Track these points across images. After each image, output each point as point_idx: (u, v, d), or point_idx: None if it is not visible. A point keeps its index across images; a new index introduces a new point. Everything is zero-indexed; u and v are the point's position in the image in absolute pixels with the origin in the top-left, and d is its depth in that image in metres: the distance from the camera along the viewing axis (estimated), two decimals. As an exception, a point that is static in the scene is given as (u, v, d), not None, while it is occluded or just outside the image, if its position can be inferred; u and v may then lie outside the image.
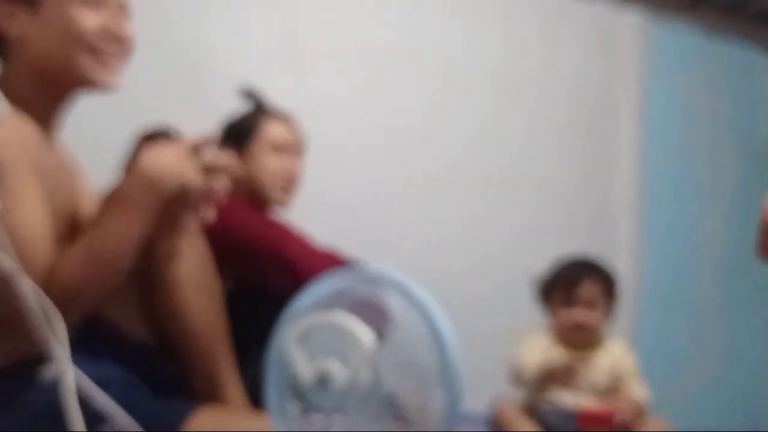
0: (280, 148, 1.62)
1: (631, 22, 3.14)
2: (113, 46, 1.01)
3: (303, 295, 0.85)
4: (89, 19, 0.97)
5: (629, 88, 3.09)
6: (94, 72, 0.99)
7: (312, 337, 0.81)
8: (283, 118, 1.68)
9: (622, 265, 2.92)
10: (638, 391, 1.65)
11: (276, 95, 1.73)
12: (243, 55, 2.41)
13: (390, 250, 2.45)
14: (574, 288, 1.67)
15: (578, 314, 1.64)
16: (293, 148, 1.66)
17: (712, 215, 3.16)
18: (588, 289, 1.67)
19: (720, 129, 3.26)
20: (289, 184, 1.65)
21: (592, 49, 3.07)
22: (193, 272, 1.07)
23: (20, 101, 0.93)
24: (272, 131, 1.62)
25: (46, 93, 1.00)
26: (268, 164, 1.60)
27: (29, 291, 0.70)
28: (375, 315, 0.81)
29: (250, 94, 1.69)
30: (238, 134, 1.61)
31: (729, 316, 3.12)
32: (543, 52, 2.97)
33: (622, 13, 3.14)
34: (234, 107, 1.66)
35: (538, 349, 1.64)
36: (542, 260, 1.84)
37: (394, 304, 0.80)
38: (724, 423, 2.97)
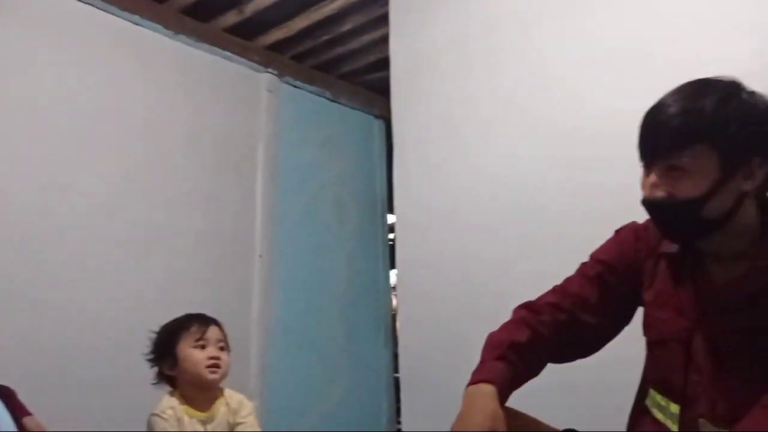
0: None
1: (268, 83, 3.40)
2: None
3: None
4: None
5: (265, 144, 3.33)
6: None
7: None
8: None
9: (256, 309, 3.10)
10: None
11: None
12: None
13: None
14: (204, 330, 1.78)
15: (213, 352, 1.76)
16: None
17: (336, 259, 3.54)
18: (215, 332, 1.81)
19: (343, 184, 3.69)
20: None
21: (234, 108, 3.25)
22: None
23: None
24: None
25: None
26: None
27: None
28: None
29: None
30: None
31: (351, 347, 3.51)
32: (189, 110, 3.05)
33: (259, 74, 3.38)
34: None
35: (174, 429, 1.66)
36: (189, 309, 1.90)
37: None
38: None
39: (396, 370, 3.42)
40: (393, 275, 3.86)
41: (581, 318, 1.27)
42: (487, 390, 1.15)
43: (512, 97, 2.44)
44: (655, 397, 1.24)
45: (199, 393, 1.75)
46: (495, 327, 1.31)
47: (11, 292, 2.33)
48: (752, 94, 1.09)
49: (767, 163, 1.08)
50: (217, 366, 1.75)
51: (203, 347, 1.75)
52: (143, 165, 2.83)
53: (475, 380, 1.18)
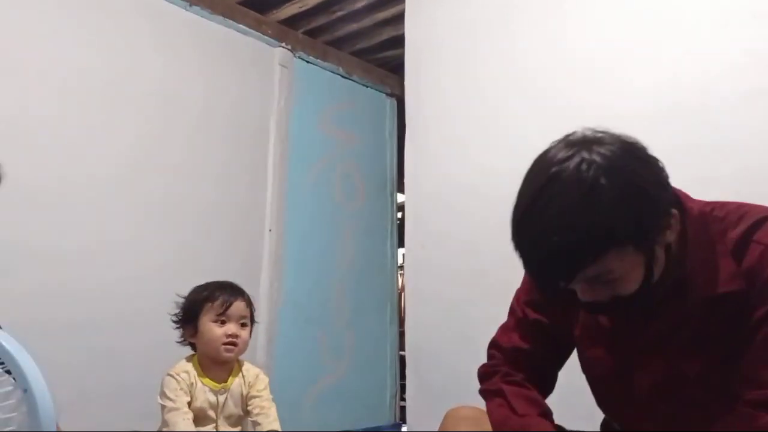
0: None
1: (281, 58, 3.39)
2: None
3: None
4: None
5: (277, 119, 3.33)
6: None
7: None
8: None
9: (265, 282, 3.13)
10: (271, 418, 1.78)
11: None
12: None
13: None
14: (228, 306, 1.77)
15: (232, 329, 1.77)
16: None
17: (344, 236, 3.56)
18: (239, 307, 1.81)
19: (354, 160, 3.70)
20: None
21: (247, 82, 3.25)
22: None
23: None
24: None
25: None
26: None
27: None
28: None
29: None
30: None
31: (357, 323, 3.54)
32: (202, 82, 3.04)
33: (272, 48, 3.37)
34: None
35: (185, 392, 1.69)
36: (199, 280, 1.91)
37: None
38: (352, 418, 3.36)
39: (401, 347, 3.45)
40: (400, 254, 3.89)
41: (541, 369, 1.24)
42: None
43: (528, 81, 2.43)
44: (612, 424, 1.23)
45: (216, 365, 1.78)
46: (500, 309, 1.32)
47: (33, 268, 2.36)
48: (624, 152, 0.96)
49: (675, 204, 0.99)
50: (233, 344, 1.76)
51: (223, 323, 1.76)
52: (156, 137, 2.84)
53: None
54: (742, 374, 0.97)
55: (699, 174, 1.84)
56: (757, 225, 1.00)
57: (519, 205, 0.98)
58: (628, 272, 0.95)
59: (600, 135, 0.98)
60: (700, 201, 1.08)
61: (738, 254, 0.99)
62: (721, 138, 1.92)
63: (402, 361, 3.03)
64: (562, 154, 0.96)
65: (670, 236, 0.99)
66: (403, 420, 3.12)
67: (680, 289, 1.02)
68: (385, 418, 3.57)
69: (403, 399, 3.43)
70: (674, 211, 0.98)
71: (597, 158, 0.93)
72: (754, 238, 0.99)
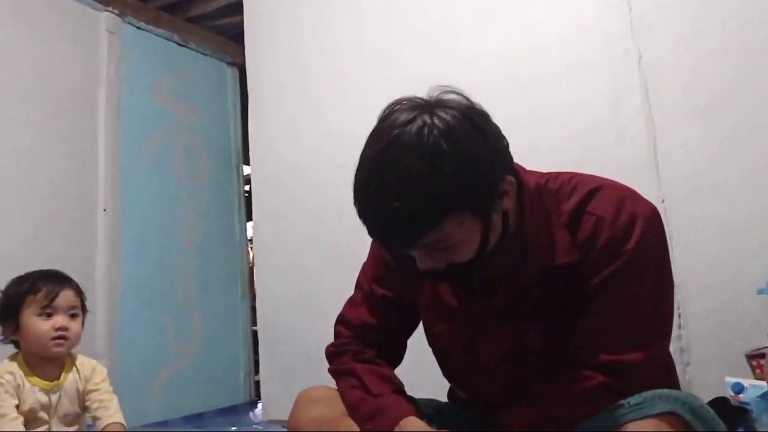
0: None
1: (108, 23, 3.13)
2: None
3: None
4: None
5: (107, 90, 3.08)
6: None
7: None
8: None
9: (101, 266, 2.92)
10: (112, 410, 1.66)
11: None
12: None
13: None
14: (54, 297, 1.61)
15: (61, 321, 1.60)
16: None
17: (188, 212, 3.40)
18: (66, 297, 1.64)
19: (194, 133, 3.52)
20: None
21: (72, 49, 2.97)
22: None
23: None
24: None
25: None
26: None
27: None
28: None
29: None
30: None
31: (206, 302, 3.42)
32: (22, 50, 2.75)
33: (98, 13, 3.10)
34: None
35: (11, 395, 1.53)
36: (27, 267, 1.71)
37: None
38: (205, 400, 3.26)
39: (254, 323, 3.40)
40: (250, 227, 3.79)
41: (390, 341, 1.24)
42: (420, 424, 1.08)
43: (370, 46, 2.44)
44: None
45: (45, 362, 1.62)
46: (352, 281, 1.31)
47: None
48: (452, 125, 0.93)
49: (512, 172, 1.00)
50: (63, 338, 1.60)
51: (50, 316, 1.60)
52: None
53: (400, 416, 1.08)
54: (578, 340, 1.01)
55: (529, 143, 1.95)
56: (589, 196, 1.02)
57: (360, 170, 0.96)
58: (464, 240, 0.96)
59: (446, 97, 0.97)
60: (535, 173, 1.09)
61: (572, 226, 1.02)
62: (549, 107, 2.05)
63: (255, 336, 2.99)
64: (404, 117, 0.94)
65: (507, 203, 1.00)
66: (259, 396, 3.08)
67: (519, 261, 1.04)
68: (240, 397, 3.50)
69: (258, 375, 3.39)
70: (510, 178, 0.99)
71: (438, 122, 0.92)
72: (587, 209, 1.01)
